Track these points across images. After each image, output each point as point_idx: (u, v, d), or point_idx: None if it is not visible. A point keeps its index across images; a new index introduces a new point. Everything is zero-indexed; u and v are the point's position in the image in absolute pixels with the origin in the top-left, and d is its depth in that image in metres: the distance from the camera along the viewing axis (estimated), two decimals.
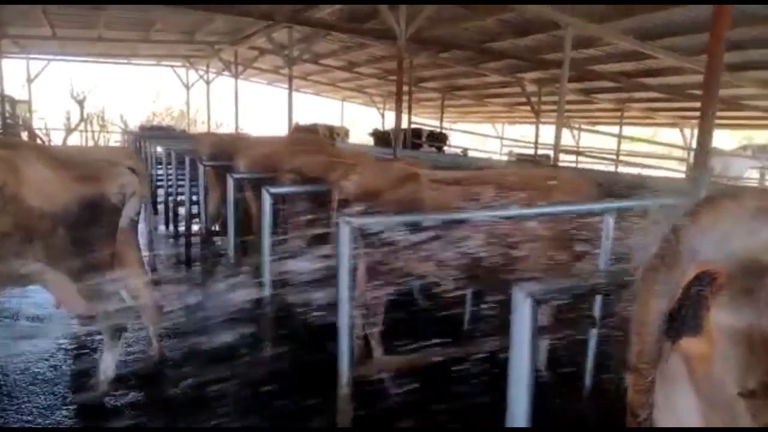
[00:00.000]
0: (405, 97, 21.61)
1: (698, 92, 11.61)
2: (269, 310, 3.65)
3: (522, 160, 16.61)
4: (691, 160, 16.07)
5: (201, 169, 5.83)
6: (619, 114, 16.31)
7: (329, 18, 9.96)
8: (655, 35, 9.31)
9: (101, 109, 24.45)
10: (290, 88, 12.18)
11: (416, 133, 14.63)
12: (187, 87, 22.09)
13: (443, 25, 9.93)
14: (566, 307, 3.31)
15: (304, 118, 20.54)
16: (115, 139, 23.02)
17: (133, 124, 23.78)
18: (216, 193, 6.31)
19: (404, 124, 21.54)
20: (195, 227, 7.39)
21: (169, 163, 8.98)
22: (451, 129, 19.77)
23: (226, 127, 28.64)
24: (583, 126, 20.99)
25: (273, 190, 3.56)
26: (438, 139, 15.40)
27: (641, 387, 1.11)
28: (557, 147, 8.86)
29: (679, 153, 16.65)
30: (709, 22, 4.28)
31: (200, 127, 28.74)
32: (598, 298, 2.98)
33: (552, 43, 10.44)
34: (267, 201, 3.52)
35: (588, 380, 3.13)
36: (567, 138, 21.49)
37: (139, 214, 3.33)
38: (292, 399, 3.27)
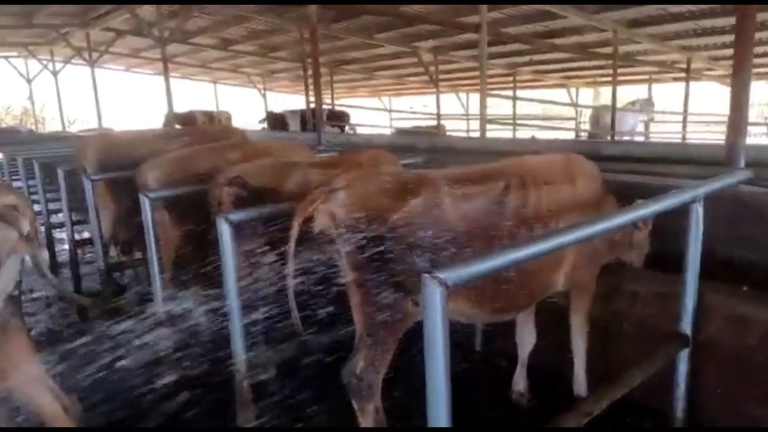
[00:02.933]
0: (292, 74, 20.26)
1: (602, 50, 11.71)
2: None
3: (417, 132, 16.12)
4: (581, 118, 16.59)
5: (88, 184, 4.38)
6: (510, 79, 16.29)
7: None
8: None
9: None
10: (166, 71, 10.46)
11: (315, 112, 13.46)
12: (29, 80, 18.88)
13: None
14: None
15: (176, 106, 18.35)
16: None
17: None
18: (110, 212, 4.90)
19: (299, 105, 20.20)
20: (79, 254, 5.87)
21: (30, 176, 7.17)
22: (341, 105, 18.75)
23: (82, 123, 25.30)
24: (471, 92, 21.01)
25: (233, 217, 2.42)
26: (338, 118, 14.35)
27: None
28: (484, 117, 8.27)
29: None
30: None
31: (50, 125, 25.14)
32: None
33: (454, 7, 9.82)
34: (226, 232, 2.38)
35: None
36: (457, 106, 21.45)
37: (20, 282, 2.07)
38: None
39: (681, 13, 9.61)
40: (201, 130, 5.72)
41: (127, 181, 4.30)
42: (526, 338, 3.00)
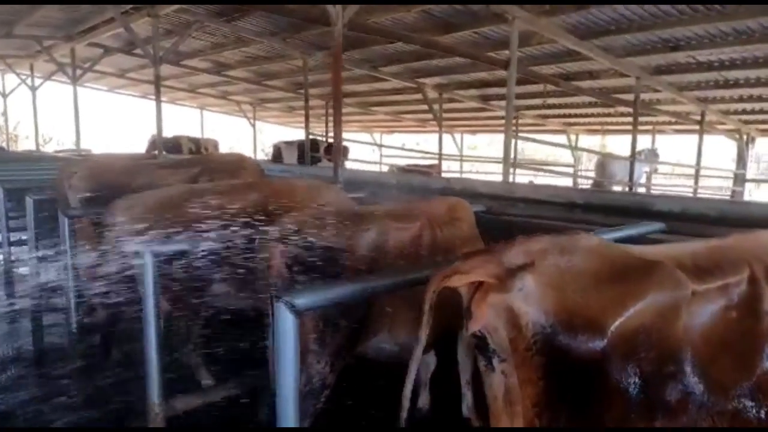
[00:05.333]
0: (283, 104, 19.56)
1: (625, 97, 11.25)
2: None
3: (411, 170, 15.47)
4: (584, 165, 16.12)
5: (64, 221, 3.47)
6: (512, 121, 15.78)
7: None
8: (589, 34, 8.48)
9: None
10: (157, 92, 9.59)
11: (313, 145, 12.67)
12: (4, 94, 17.82)
13: (364, 15, 8.23)
14: None
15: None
16: None
17: None
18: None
19: (289, 137, 19.44)
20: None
21: None
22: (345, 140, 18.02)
23: (58, 144, 24.18)
24: (466, 133, 20.57)
25: (300, 302, 1.56)
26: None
27: None
28: (508, 160, 7.59)
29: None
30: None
31: (23, 144, 23.90)
32: None
33: (470, 41, 9.27)
34: (288, 323, 1.51)
35: None
36: (450, 146, 20.96)
37: None
38: None
39: (710, 62, 9.20)
40: (214, 160, 4.85)
41: None
42: None
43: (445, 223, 2.65)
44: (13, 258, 5.37)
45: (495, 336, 1.30)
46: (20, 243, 6.13)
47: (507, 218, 3.73)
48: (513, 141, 15.68)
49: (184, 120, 24.43)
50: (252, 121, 20.46)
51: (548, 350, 1.24)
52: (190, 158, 5.65)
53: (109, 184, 4.08)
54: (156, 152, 14.70)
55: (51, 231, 4.81)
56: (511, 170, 15.44)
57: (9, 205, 5.95)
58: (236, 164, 4.77)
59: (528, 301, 1.26)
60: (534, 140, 13.14)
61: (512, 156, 15.84)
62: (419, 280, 1.76)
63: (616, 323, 1.27)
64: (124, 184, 3.99)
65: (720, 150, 19.62)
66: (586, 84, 11.02)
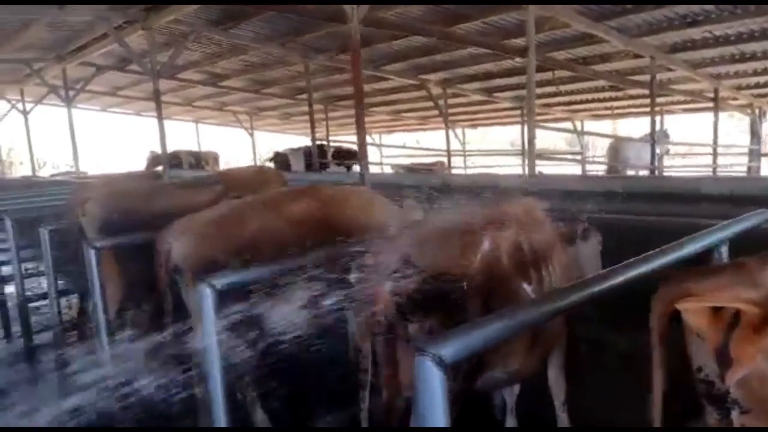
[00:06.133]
0: (280, 111, 19.21)
1: (637, 78, 10.95)
2: None
3: (417, 169, 15.16)
4: (591, 152, 15.81)
5: (91, 253, 3.12)
6: (517, 112, 15.52)
7: None
8: (603, 16, 8.17)
9: None
10: (158, 106, 9.21)
11: (320, 150, 12.33)
12: None
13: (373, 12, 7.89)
14: None
15: (155, 146, 16.94)
16: None
17: None
18: (115, 286, 3.63)
19: (286, 144, 19.10)
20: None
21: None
22: (336, 142, 17.71)
23: (53, 167, 23.78)
24: (468, 128, 20.26)
25: (446, 352, 1.22)
26: (346, 156, 13.22)
27: None
28: (533, 152, 7.25)
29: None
30: None
31: (18, 170, 23.48)
32: None
33: (478, 30, 8.94)
34: (434, 376, 1.17)
35: None
36: (452, 142, 20.65)
37: None
38: None
39: (726, 35, 8.89)
40: (235, 175, 4.51)
41: (142, 247, 3.16)
42: None
43: (530, 226, 2.33)
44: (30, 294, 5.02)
45: (756, 383, 0.97)
46: (31, 275, 5.78)
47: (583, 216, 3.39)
48: (519, 131, 15.40)
49: (179, 134, 24.00)
50: (250, 130, 20.09)
51: None
52: (208, 176, 5.32)
53: (126, 210, 3.74)
54: (157, 168, 14.36)
55: (65, 261, 4.47)
56: (513, 162, 15.26)
57: (18, 235, 5.61)
58: (259, 177, 4.44)
59: None
60: (555, 129, 12.80)
61: (524, 147, 15.59)
62: (567, 306, 1.44)
63: None
64: (143, 208, 3.66)
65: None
66: (597, 68, 10.72)
